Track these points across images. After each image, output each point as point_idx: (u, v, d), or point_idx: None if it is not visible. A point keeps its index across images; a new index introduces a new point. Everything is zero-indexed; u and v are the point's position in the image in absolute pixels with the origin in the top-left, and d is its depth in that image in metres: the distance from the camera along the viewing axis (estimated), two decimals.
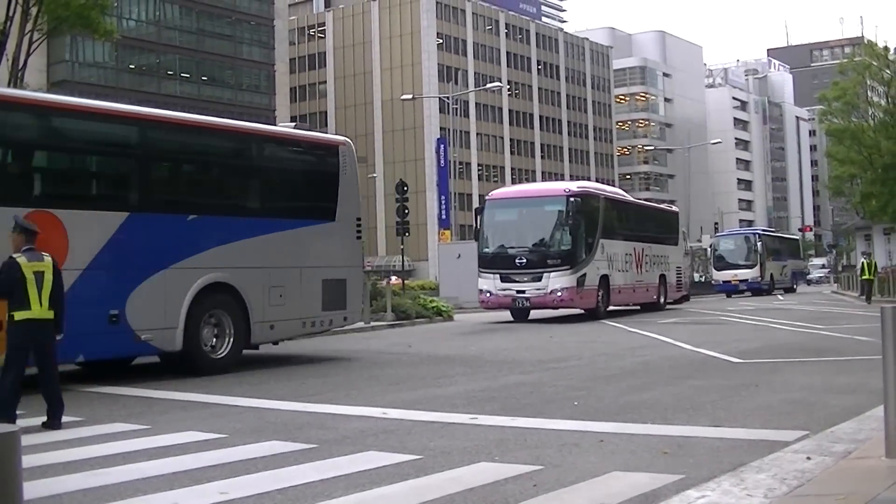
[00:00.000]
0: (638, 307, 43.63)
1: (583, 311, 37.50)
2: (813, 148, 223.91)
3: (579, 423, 11.40)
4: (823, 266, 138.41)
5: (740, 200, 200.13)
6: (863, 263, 52.81)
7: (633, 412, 12.31)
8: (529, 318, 37.44)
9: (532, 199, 38.29)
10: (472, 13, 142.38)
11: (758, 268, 68.86)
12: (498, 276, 36.00)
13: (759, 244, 69.56)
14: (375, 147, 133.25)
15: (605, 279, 37.76)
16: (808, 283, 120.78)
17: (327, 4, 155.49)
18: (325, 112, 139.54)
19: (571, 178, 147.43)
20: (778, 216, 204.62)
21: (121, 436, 11.11)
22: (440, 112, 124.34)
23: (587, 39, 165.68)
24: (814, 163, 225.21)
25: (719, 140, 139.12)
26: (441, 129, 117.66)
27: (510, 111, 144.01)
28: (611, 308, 39.19)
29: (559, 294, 35.02)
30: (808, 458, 8.43)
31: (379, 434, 10.96)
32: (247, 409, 13.38)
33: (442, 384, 16.13)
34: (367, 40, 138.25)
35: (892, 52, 69.24)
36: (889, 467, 7.90)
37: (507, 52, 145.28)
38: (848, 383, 14.92)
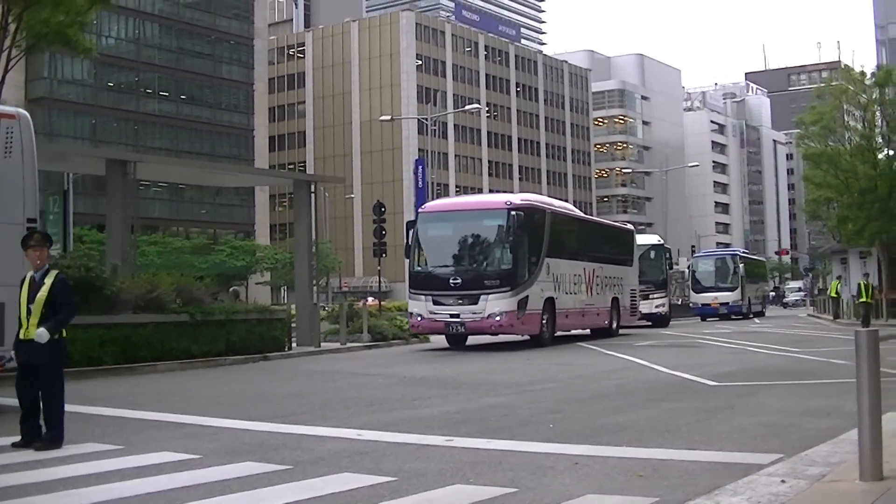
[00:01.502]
0: (588, 332, 40.45)
1: (526, 338, 34.44)
2: (790, 171, 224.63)
3: (554, 446, 11.39)
4: (800, 289, 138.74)
5: (717, 223, 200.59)
6: (859, 285, 51.38)
7: (609, 435, 12.30)
8: (468, 343, 34.51)
9: (469, 212, 34.81)
10: (452, 35, 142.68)
11: (739, 290, 68.13)
12: (430, 298, 32.42)
13: (740, 266, 69.38)
14: (354, 167, 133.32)
15: (550, 302, 34.30)
16: (785, 305, 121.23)
17: (307, 24, 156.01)
18: (304, 132, 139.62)
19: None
20: (755, 239, 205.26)
21: (94, 456, 11.07)
22: (419, 133, 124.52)
23: (566, 62, 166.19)
24: (791, 186, 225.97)
25: (697, 163, 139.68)
26: (419, 150, 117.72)
27: (489, 133, 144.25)
28: (558, 334, 36.08)
29: (497, 318, 31.41)
30: (783, 482, 8.44)
31: (354, 455, 10.92)
32: (221, 429, 13.32)
33: (417, 406, 16.10)
34: (346, 61, 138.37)
35: (868, 76, 69.42)
36: (863, 490, 7.92)
37: (487, 74, 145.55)
38: (823, 406, 14.95)
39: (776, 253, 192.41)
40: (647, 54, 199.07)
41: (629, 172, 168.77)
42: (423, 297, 32.69)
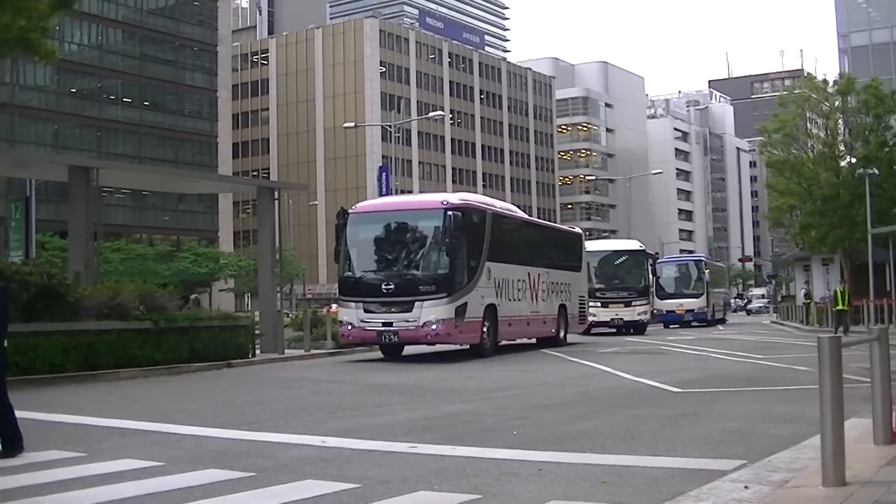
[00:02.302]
0: (534, 341, 38.33)
1: (466, 348, 32.33)
2: (753, 179, 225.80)
3: (518, 452, 11.38)
4: (763, 296, 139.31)
5: (681, 230, 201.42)
6: (835, 292, 50.28)
7: (573, 441, 12.32)
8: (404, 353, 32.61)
9: (402, 212, 32.49)
10: (416, 42, 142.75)
11: (704, 297, 67.25)
12: (361, 305, 30.16)
13: (706, 271, 68.93)
14: (317, 174, 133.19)
15: (492, 309, 32.14)
16: (748, 312, 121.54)
17: (271, 31, 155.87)
18: (268, 139, 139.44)
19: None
20: (718, 246, 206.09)
21: (56, 464, 10.99)
22: (382, 140, 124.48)
23: (530, 69, 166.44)
24: (754, 193, 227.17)
25: (660, 170, 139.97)
26: (383, 157, 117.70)
27: (452, 140, 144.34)
28: (503, 343, 34.32)
29: (433, 327, 29.14)
30: (746, 487, 8.47)
31: (318, 462, 10.90)
32: (185, 436, 13.26)
33: (381, 413, 16.08)
34: (310, 67, 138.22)
35: (831, 85, 69.85)
36: (826, 496, 7.95)
37: (450, 81, 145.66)
38: (786, 413, 15.01)
39: (739, 260, 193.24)
40: (610, 62, 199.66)
41: (593, 180, 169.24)
42: (353, 304, 30.54)
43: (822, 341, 8.37)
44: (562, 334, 39.73)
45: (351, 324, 30.49)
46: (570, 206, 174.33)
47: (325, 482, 9.62)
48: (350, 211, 32.93)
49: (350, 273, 31.16)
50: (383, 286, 29.85)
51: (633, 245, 59.17)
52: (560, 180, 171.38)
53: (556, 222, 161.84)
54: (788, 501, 7.99)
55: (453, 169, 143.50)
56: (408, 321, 29.40)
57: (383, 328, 29.82)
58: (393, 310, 29.68)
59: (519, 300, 35.26)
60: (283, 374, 25.67)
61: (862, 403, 12.48)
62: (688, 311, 65.33)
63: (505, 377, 23.96)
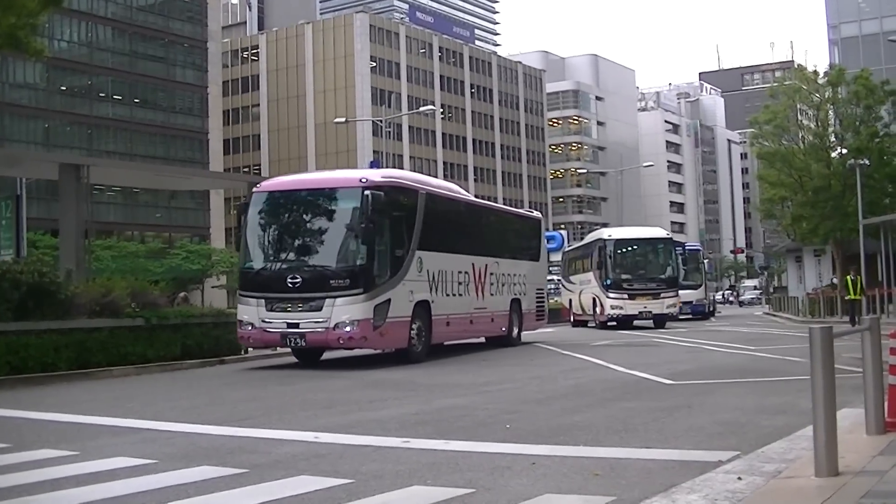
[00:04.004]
0: (483, 340, 34.82)
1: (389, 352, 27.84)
2: (744, 171, 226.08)
3: (511, 446, 11.39)
4: (755, 287, 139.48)
5: (673, 223, 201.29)
6: (846, 280, 48.41)
7: (566, 434, 12.31)
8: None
9: (313, 192, 27.30)
10: (406, 36, 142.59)
11: (702, 289, 66.07)
12: (263, 301, 25.52)
13: (705, 262, 67.77)
14: (309, 170, 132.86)
15: (424, 307, 27.60)
16: (741, 304, 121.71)
17: (261, 27, 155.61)
18: (258, 135, 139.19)
19: (507, 203, 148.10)
20: (710, 238, 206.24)
21: (49, 462, 10.96)
22: (373, 135, 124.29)
23: (520, 63, 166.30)
24: (745, 185, 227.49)
25: (652, 163, 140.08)
26: (374, 152, 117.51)
27: (443, 134, 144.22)
28: (447, 343, 31.92)
29: (347, 329, 24.62)
30: (739, 479, 8.47)
31: (311, 458, 10.90)
32: (177, 433, 13.25)
33: (374, 408, 16.07)
34: (300, 63, 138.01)
35: (821, 76, 70.04)
36: (818, 486, 7.96)
37: (441, 76, 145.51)
38: (778, 404, 15.02)
39: (731, 252, 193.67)
40: (601, 55, 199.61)
41: (584, 173, 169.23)
42: (253, 300, 25.79)
43: (814, 332, 8.38)
44: (514, 332, 35.50)
45: (251, 324, 25.71)
46: (561, 200, 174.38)
47: (319, 478, 9.60)
48: (254, 189, 27.87)
49: (251, 264, 26.56)
50: (288, 280, 25.17)
51: (660, 233, 56.45)
52: (551, 174, 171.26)
53: (548, 216, 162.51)
54: (781, 492, 8.00)
55: (444, 163, 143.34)
56: (317, 322, 24.83)
57: (288, 330, 25.21)
58: (299, 308, 25.07)
59: (460, 295, 30.75)
60: (276, 370, 25.63)
61: (854, 393, 12.53)
62: (685, 303, 60.30)
63: (497, 371, 24.00)
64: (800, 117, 69.56)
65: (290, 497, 8.74)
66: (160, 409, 16.38)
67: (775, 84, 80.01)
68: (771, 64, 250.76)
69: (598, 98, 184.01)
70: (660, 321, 50.24)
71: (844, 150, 65.43)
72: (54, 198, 40.55)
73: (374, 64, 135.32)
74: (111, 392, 19.95)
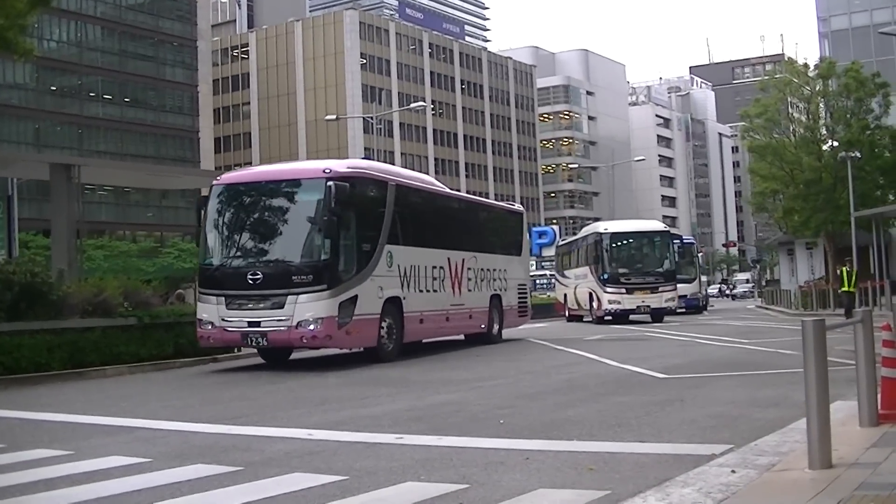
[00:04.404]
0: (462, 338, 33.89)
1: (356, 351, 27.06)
2: (736, 164, 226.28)
3: (505, 441, 11.40)
4: (748, 281, 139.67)
5: (665, 217, 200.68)
6: (841, 272, 48.38)
7: (559, 429, 12.33)
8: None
9: (275, 183, 25.92)
10: (396, 33, 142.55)
11: (696, 282, 65.35)
12: (223, 299, 24.32)
13: (699, 255, 66.90)
14: None
15: (394, 303, 26.50)
16: (733, 297, 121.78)
17: (250, 25, 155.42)
18: (249, 133, 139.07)
19: (499, 198, 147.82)
20: (702, 232, 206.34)
21: (43, 462, 10.94)
22: (364, 132, 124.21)
23: (511, 59, 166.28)
24: (737, 179, 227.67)
25: (643, 157, 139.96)
26: (366, 149, 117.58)
27: (434, 131, 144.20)
28: (431, 340, 31.37)
29: (311, 328, 23.41)
30: (733, 472, 8.49)
31: (304, 455, 10.90)
32: (171, 432, 13.25)
33: (367, 404, 16.07)
34: (290, 61, 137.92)
35: (811, 69, 70.17)
36: (812, 479, 7.97)
37: (431, 72, 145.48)
38: (771, 397, 15.05)
39: (723, 245, 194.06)
40: (591, 49, 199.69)
41: (576, 168, 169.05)
42: (214, 298, 24.56)
43: (807, 325, 8.40)
44: (495, 329, 34.35)
45: (211, 323, 24.52)
46: (553, 195, 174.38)
47: (313, 475, 9.61)
48: (214, 182, 26.30)
49: (210, 260, 25.38)
50: (249, 276, 23.88)
51: (658, 226, 56.23)
52: (543, 169, 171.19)
53: (539, 211, 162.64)
54: (775, 485, 8.01)
55: (436, 159, 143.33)
56: (279, 320, 23.61)
57: (249, 329, 24.04)
58: (261, 306, 23.86)
59: (434, 291, 29.57)
60: (269, 367, 25.61)
61: (847, 386, 12.56)
62: (680, 296, 57.50)
63: (490, 366, 24.04)
64: (790, 110, 69.66)
65: (285, 494, 8.74)
66: (153, 408, 16.38)
67: (766, 77, 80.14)
68: (761, 57, 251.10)
69: (588, 93, 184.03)
70: (658, 315, 49.79)
71: (835, 143, 65.42)
72: (45, 198, 40.50)
73: (365, 61, 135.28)
74: (104, 391, 19.93)
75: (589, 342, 32.32)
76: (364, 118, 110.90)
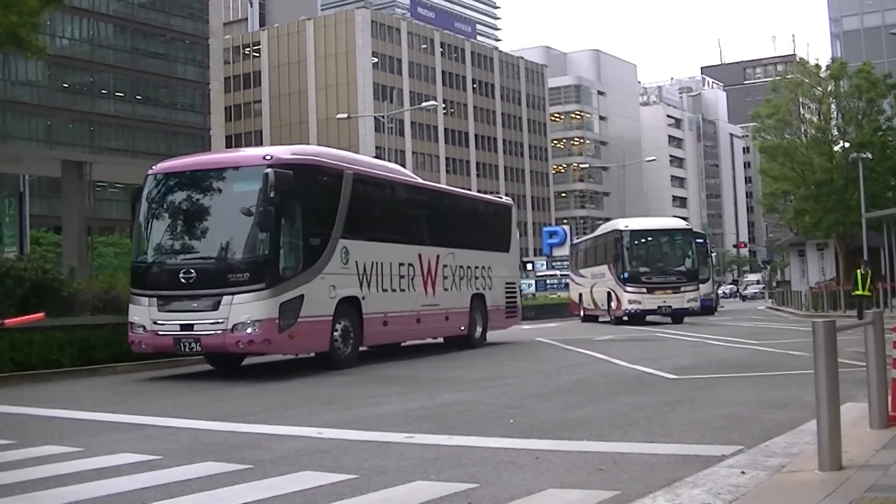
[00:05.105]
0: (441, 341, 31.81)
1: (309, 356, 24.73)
2: (747, 165, 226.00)
3: (515, 441, 11.38)
4: (758, 282, 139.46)
5: (675, 217, 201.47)
6: (855, 274, 46.78)
7: (569, 429, 12.32)
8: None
9: (212, 172, 23.18)
10: (408, 32, 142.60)
11: (709, 283, 63.16)
12: (155, 300, 21.66)
13: (713, 255, 64.68)
14: None
15: (352, 304, 24.02)
16: (744, 298, 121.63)
17: (262, 23, 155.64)
18: (261, 131, 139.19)
19: (510, 198, 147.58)
20: (713, 233, 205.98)
21: (53, 459, 10.96)
22: (375, 131, 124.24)
23: (522, 58, 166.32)
24: (748, 179, 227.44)
25: (654, 158, 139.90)
26: (377, 148, 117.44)
27: (446, 130, 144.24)
28: (408, 343, 30.08)
29: (248, 331, 20.72)
30: (743, 473, 8.48)
31: (314, 454, 10.90)
32: (181, 430, 13.26)
33: (377, 403, 16.07)
34: (302, 59, 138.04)
35: (823, 69, 70.04)
36: (822, 480, 7.96)
37: (443, 71, 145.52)
38: (781, 398, 15.02)
39: (734, 246, 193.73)
40: (602, 49, 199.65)
41: (586, 168, 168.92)
42: (146, 298, 21.90)
43: (817, 325, 8.38)
44: (477, 332, 31.84)
45: (143, 326, 21.86)
46: (563, 195, 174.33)
47: (322, 473, 9.60)
48: (148, 171, 23.59)
49: (143, 257, 22.69)
50: (182, 275, 21.30)
51: (679, 223, 54.87)
52: (553, 169, 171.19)
53: (550, 211, 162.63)
54: (785, 486, 8.00)
55: (447, 159, 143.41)
56: (213, 322, 20.99)
57: (181, 333, 21.33)
58: (194, 307, 21.22)
59: (402, 290, 26.99)
60: (278, 365, 25.60)
61: (858, 387, 12.53)
62: None
63: (499, 366, 24.02)
64: (802, 111, 69.56)
65: (294, 492, 8.74)
66: (163, 405, 16.40)
67: (777, 78, 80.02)
68: (773, 58, 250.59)
69: (599, 93, 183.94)
70: (678, 316, 48.21)
71: (847, 144, 65.31)
72: (57, 195, 40.56)
73: (376, 60, 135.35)
74: (114, 388, 19.94)
75: (598, 342, 32.28)
76: (375, 117, 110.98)
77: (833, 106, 68.24)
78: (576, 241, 70.01)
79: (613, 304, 48.86)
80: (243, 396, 17.89)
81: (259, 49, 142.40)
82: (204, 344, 21.16)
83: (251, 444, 11.68)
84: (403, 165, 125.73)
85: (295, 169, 21.90)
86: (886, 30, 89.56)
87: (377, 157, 69.44)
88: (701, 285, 55.32)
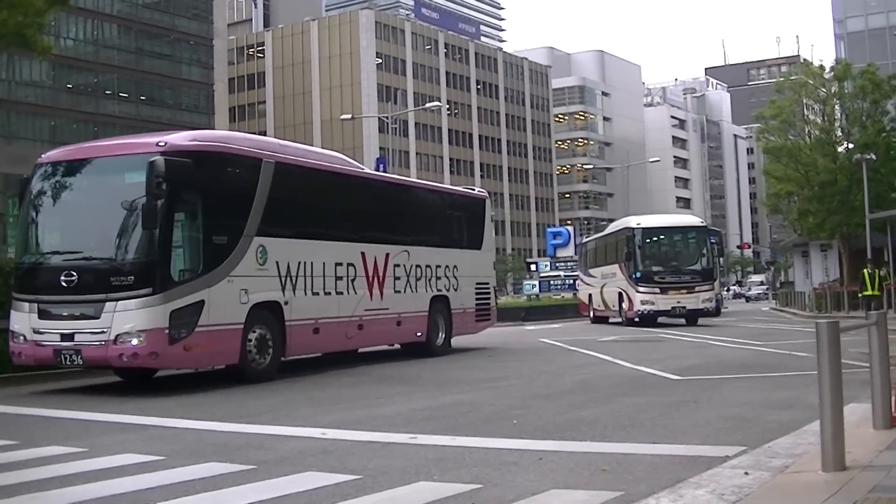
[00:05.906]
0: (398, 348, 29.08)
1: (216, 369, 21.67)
2: (751, 166, 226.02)
3: (519, 442, 11.40)
4: (762, 283, 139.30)
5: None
6: (863, 274, 46.04)
7: (573, 430, 12.33)
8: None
9: (101, 161, 20.13)
10: (412, 33, 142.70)
11: (716, 283, 58.29)
12: (35, 306, 18.87)
13: (719, 258, 62.36)
14: None
15: (271, 309, 21.18)
16: (748, 299, 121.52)
17: (266, 24, 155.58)
18: (265, 132, 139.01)
19: (513, 199, 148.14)
20: None
21: (57, 459, 10.98)
22: (380, 132, 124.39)
23: (526, 59, 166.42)
24: (752, 180, 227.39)
25: (658, 158, 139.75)
26: (381, 148, 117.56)
27: (450, 131, 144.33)
28: (359, 352, 27.49)
29: (132, 342, 17.87)
30: (746, 474, 8.48)
31: (318, 454, 10.91)
32: (185, 430, 13.27)
33: (381, 404, 16.07)
34: (306, 60, 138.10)
35: (827, 70, 70.00)
36: (825, 481, 7.96)
37: (447, 72, 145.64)
38: (785, 399, 15.02)
39: (738, 247, 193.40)
40: (606, 50, 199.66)
41: (590, 168, 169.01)
42: (26, 304, 19.11)
43: (821, 326, 8.38)
44: (439, 338, 28.82)
45: (23, 335, 19.04)
46: (568, 196, 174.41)
47: (326, 474, 9.62)
48: (38, 160, 20.72)
49: (26, 258, 19.94)
50: (63, 278, 18.50)
51: (693, 220, 53.02)
52: (558, 170, 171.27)
53: (554, 211, 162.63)
54: (788, 487, 8.00)
55: (451, 159, 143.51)
56: (94, 332, 18.19)
57: (62, 344, 18.47)
58: (75, 314, 18.45)
59: (339, 293, 23.97)
60: (282, 366, 25.55)
61: (861, 388, 12.51)
62: None
63: (504, 366, 23.97)
64: (806, 112, 69.59)
65: (298, 493, 8.76)
66: (167, 405, 16.39)
67: (781, 79, 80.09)
68: (777, 59, 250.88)
69: (603, 94, 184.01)
70: (693, 317, 46.47)
71: (851, 145, 65.34)
72: None
73: (380, 60, 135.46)
74: (119, 389, 19.95)
75: (602, 343, 32.23)
76: (379, 118, 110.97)
77: (837, 107, 68.25)
78: (585, 239, 69.16)
79: (625, 305, 47.07)
80: (247, 397, 17.86)
81: (263, 50, 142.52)
82: (85, 357, 18.34)
83: (255, 445, 11.69)
84: (407, 166, 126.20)
85: (194, 156, 19.20)
86: (891, 31, 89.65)
87: (381, 158, 69.25)
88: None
